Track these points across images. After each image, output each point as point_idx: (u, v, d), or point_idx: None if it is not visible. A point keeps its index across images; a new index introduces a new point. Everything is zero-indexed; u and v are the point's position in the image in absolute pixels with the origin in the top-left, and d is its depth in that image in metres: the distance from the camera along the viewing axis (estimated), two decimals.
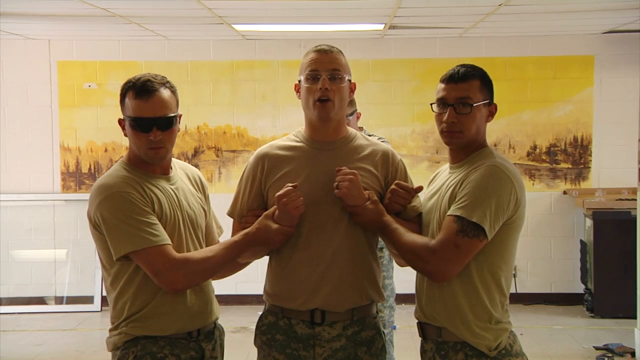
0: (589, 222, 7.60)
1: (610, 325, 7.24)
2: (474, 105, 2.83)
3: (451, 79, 2.86)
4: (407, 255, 2.83)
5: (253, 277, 6.37)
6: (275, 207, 2.85)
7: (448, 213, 2.76)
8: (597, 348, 6.52)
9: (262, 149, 3.05)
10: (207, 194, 3.17)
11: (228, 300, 7.84)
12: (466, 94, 2.83)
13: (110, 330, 2.94)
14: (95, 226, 2.84)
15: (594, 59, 8.02)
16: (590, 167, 8.10)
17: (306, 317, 2.91)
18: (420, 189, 2.99)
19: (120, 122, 2.94)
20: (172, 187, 2.95)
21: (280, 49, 8.10)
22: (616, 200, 7.58)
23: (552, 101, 8.07)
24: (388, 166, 3.00)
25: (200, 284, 2.93)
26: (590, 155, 8.09)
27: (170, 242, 2.81)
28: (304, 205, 2.83)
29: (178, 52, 8.10)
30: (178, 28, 7.37)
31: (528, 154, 8.12)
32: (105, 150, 8.15)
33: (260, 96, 8.17)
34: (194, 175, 3.13)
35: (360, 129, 4.60)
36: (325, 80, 2.87)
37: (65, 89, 8.12)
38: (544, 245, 8.13)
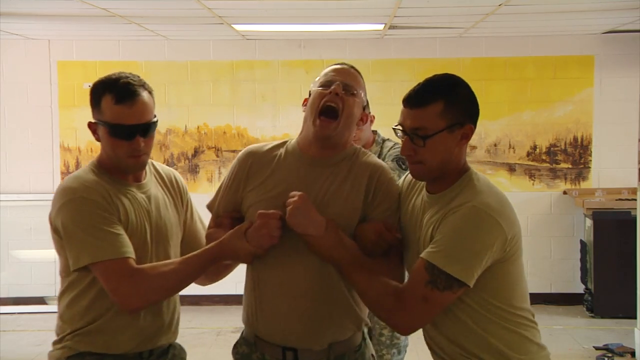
0: (589, 222, 7.60)
1: (610, 325, 7.24)
2: (429, 137, 2.44)
3: (407, 102, 2.50)
4: (370, 303, 2.50)
5: None
6: (249, 221, 2.58)
7: (421, 255, 2.42)
8: (597, 348, 6.52)
9: (253, 147, 2.82)
10: (187, 196, 2.91)
11: (228, 300, 7.84)
12: (420, 123, 2.45)
13: (54, 343, 2.70)
14: (55, 230, 2.64)
15: (594, 59, 8.01)
16: (590, 167, 8.10)
17: (278, 355, 2.65)
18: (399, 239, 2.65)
19: (91, 125, 2.65)
20: (144, 195, 2.70)
21: (280, 49, 8.09)
22: (616, 200, 7.58)
23: (552, 101, 8.07)
24: (372, 182, 2.69)
25: (158, 302, 2.67)
26: (590, 155, 8.09)
27: (133, 256, 2.55)
28: (278, 239, 2.54)
29: (178, 52, 8.09)
30: (178, 28, 7.36)
31: (528, 154, 8.12)
32: None
33: (260, 96, 8.16)
34: (170, 177, 2.87)
35: (374, 132, 4.43)
36: (340, 86, 2.70)
37: (65, 89, 8.11)
38: (544, 245, 8.13)
